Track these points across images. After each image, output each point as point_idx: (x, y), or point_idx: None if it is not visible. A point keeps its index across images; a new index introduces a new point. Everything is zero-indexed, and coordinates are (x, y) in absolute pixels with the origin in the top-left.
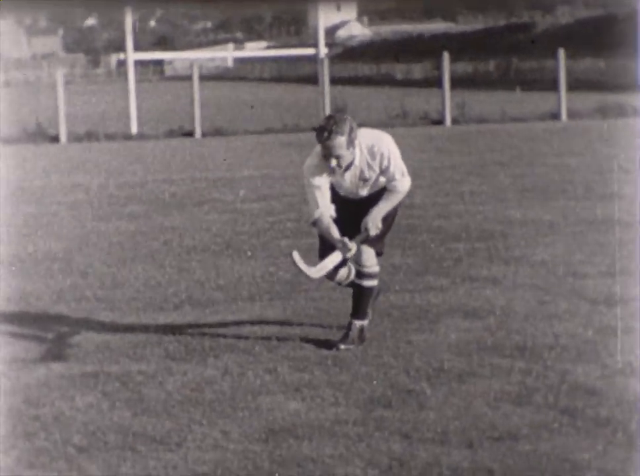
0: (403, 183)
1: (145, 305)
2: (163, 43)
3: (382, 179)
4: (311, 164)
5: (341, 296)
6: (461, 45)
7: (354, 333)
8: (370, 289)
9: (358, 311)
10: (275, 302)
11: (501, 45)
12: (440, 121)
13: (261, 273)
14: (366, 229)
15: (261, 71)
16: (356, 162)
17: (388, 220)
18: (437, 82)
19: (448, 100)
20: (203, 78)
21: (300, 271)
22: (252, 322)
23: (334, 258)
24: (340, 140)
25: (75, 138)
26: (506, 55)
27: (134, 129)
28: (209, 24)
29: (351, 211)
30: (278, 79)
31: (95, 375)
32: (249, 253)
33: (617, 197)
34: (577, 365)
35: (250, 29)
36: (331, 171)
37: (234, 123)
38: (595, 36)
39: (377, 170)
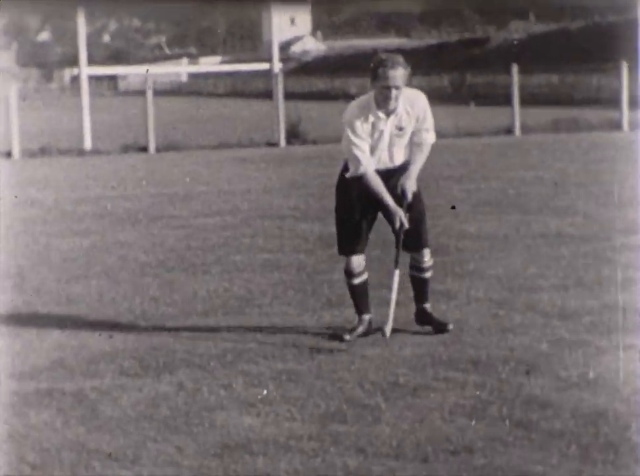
0: (432, 135)
1: (99, 321)
2: (117, 57)
3: (408, 136)
4: (352, 116)
5: (293, 311)
6: (414, 60)
7: (432, 315)
8: (429, 279)
9: (427, 297)
10: (229, 317)
11: (455, 60)
12: None
13: (215, 288)
14: (404, 192)
15: (215, 86)
16: (399, 108)
17: (422, 213)
18: None
19: None
20: (157, 93)
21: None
22: (207, 338)
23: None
24: (402, 72)
25: (28, 153)
26: (460, 70)
27: (88, 144)
28: (163, 39)
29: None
30: (232, 94)
31: (49, 392)
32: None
33: (571, 211)
34: (531, 378)
35: (204, 44)
36: (376, 117)
37: (188, 138)
38: (548, 51)
39: (413, 120)
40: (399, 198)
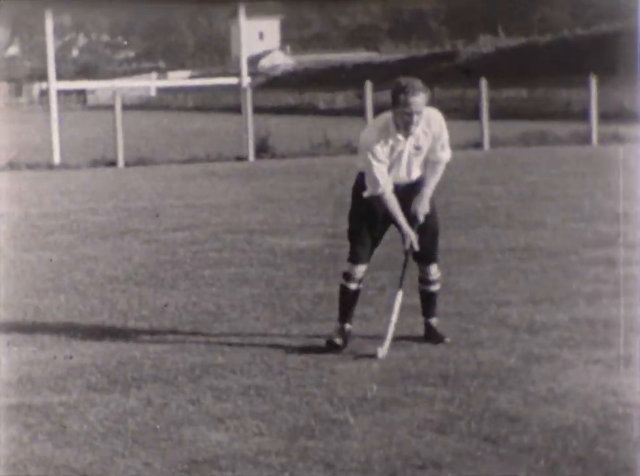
0: (448, 153)
1: (67, 335)
2: (86, 72)
3: (425, 154)
4: (372, 138)
5: (262, 326)
6: (384, 74)
7: (436, 330)
8: (437, 292)
9: (433, 311)
10: (198, 332)
11: (424, 74)
12: None
13: (184, 303)
14: (415, 216)
15: (184, 100)
16: (417, 129)
17: (435, 228)
18: (360, 111)
19: None
20: (126, 107)
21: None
22: (175, 353)
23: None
24: (423, 97)
25: None
26: (429, 84)
27: (57, 158)
28: (131, 54)
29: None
30: (201, 108)
31: (17, 407)
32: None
33: (540, 225)
34: (500, 393)
35: (173, 58)
36: (394, 139)
37: (157, 152)
38: (517, 65)
39: (430, 138)
40: (412, 218)
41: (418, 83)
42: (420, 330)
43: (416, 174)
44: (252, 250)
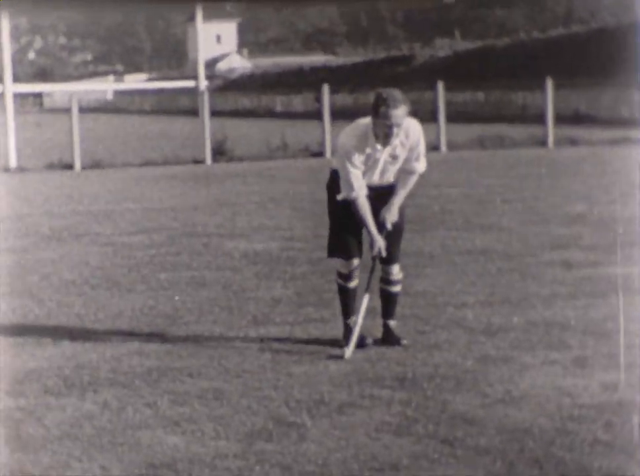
0: (423, 164)
1: (23, 339)
2: (43, 75)
3: (400, 163)
4: (350, 144)
5: (219, 329)
6: (341, 78)
7: (394, 332)
8: (399, 293)
9: (392, 313)
10: (155, 335)
11: (381, 77)
12: (320, 153)
13: (141, 306)
14: (384, 222)
15: (141, 104)
16: (396, 139)
17: (399, 229)
18: (317, 114)
19: (328, 132)
20: (83, 110)
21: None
22: (132, 356)
23: (355, 334)
24: (403, 109)
25: None
26: (386, 87)
27: (13, 162)
28: (89, 56)
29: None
30: (159, 112)
31: None
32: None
33: (496, 227)
34: (457, 395)
35: (130, 61)
36: (372, 148)
37: (114, 156)
38: (474, 68)
39: (407, 149)
40: (380, 225)
41: (399, 95)
42: (377, 333)
43: (389, 180)
44: (209, 253)
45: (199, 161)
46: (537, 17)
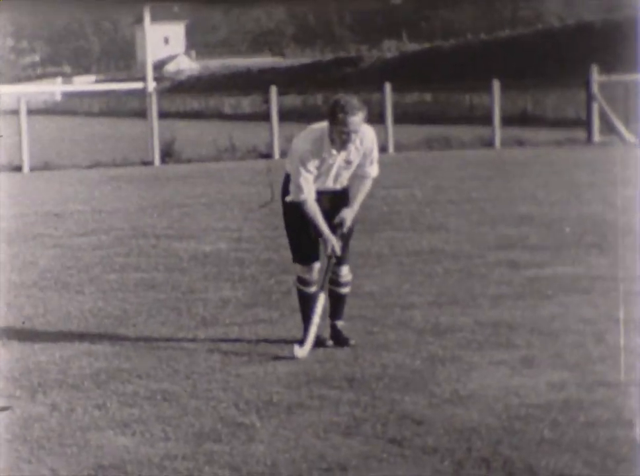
0: (376, 169)
1: None
2: None
3: (354, 168)
4: (305, 148)
5: (168, 330)
6: (289, 79)
7: (342, 332)
8: (347, 294)
9: (340, 313)
10: (104, 337)
11: (329, 78)
12: (268, 155)
13: (89, 308)
14: (341, 223)
15: (90, 105)
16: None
17: (349, 231)
18: (265, 116)
19: (277, 133)
20: (31, 112)
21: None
22: (81, 358)
23: (313, 331)
24: (360, 116)
25: None
26: (334, 89)
27: None
28: (37, 58)
29: (323, 207)
30: (107, 113)
31: None
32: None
33: (444, 228)
34: (405, 395)
35: (78, 63)
36: (328, 153)
37: (63, 157)
38: (421, 70)
39: (361, 154)
40: (337, 226)
41: (356, 102)
42: (327, 334)
43: (342, 184)
44: (158, 254)
45: (147, 163)
46: (484, 19)
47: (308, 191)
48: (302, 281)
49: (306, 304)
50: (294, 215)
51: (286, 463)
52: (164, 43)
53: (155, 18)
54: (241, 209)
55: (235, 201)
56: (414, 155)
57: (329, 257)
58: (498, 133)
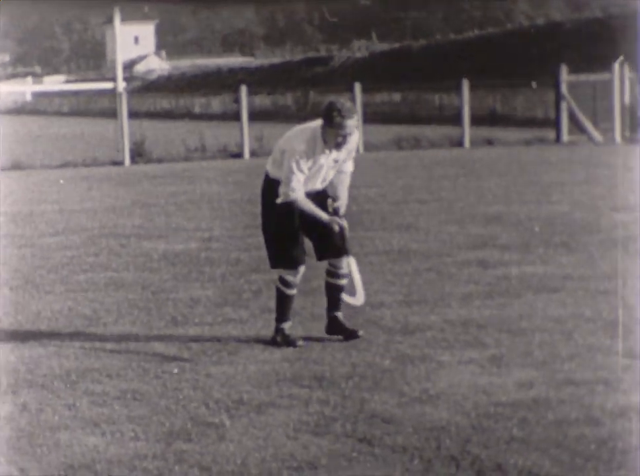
0: (352, 165)
1: None
2: None
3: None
4: (300, 149)
5: (138, 330)
6: (259, 79)
7: (344, 324)
8: (344, 285)
9: (339, 305)
10: (74, 337)
11: (299, 78)
12: (238, 155)
13: (60, 308)
14: (336, 211)
15: (60, 105)
16: None
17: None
18: (235, 116)
19: (247, 133)
20: (1, 112)
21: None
22: (51, 358)
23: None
24: (355, 119)
25: None
26: (304, 89)
27: None
28: (7, 58)
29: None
30: (77, 113)
31: None
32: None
33: (413, 228)
34: (374, 394)
35: (48, 63)
36: (320, 153)
37: (33, 157)
38: (391, 70)
39: (346, 153)
40: (333, 213)
41: (351, 106)
42: (297, 332)
43: (325, 183)
44: (128, 254)
45: (117, 163)
46: (453, 19)
47: (299, 190)
48: (285, 283)
49: (284, 304)
50: (282, 218)
51: (256, 462)
52: (135, 43)
53: (125, 18)
54: (211, 208)
55: (205, 200)
56: (384, 155)
57: (341, 233)
58: (467, 132)
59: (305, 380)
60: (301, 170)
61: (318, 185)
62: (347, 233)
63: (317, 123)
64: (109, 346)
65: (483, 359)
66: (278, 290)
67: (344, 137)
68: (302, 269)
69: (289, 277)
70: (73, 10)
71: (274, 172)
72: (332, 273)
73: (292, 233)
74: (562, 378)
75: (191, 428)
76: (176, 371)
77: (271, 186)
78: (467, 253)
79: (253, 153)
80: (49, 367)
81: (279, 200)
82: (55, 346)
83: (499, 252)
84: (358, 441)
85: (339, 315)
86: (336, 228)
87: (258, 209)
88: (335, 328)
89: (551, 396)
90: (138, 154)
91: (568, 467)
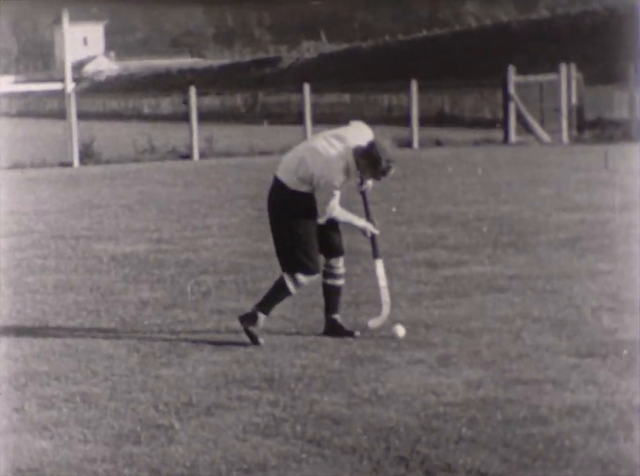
0: None
1: None
2: None
3: None
4: (338, 179)
5: (87, 332)
6: (208, 80)
7: (343, 326)
8: (342, 287)
9: (337, 307)
10: (22, 339)
11: (248, 79)
12: (187, 156)
13: (8, 310)
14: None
15: (8, 106)
16: None
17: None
18: (185, 117)
19: (196, 134)
20: None
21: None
22: None
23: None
24: None
25: None
26: (253, 90)
27: None
28: None
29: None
30: (26, 114)
31: None
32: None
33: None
34: (324, 395)
35: None
36: (352, 178)
37: None
38: (340, 70)
39: None
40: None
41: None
42: (244, 335)
43: None
44: (76, 256)
45: (66, 164)
46: (401, 20)
47: (337, 206)
48: (297, 284)
49: (278, 300)
50: (307, 227)
51: (205, 464)
52: (83, 43)
53: (73, 19)
54: (160, 210)
55: (154, 202)
56: None
57: (372, 241)
58: (416, 133)
59: (255, 381)
60: (338, 191)
61: None
62: (337, 232)
63: (347, 148)
64: (57, 348)
65: (432, 360)
66: (285, 287)
67: (381, 179)
68: (316, 277)
69: (303, 280)
70: (21, 10)
71: (295, 185)
72: (328, 274)
73: (314, 240)
74: (511, 377)
75: (140, 431)
76: (125, 373)
77: (294, 199)
78: (416, 253)
79: (202, 154)
80: None
81: (321, 221)
82: (3, 348)
83: (447, 253)
84: (308, 442)
85: (337, 317)
86: (369, 234)
87: (207, 210)
88: (335, 330)
89: (499, 395)
90: (87, 155)
91: (517, 466)
